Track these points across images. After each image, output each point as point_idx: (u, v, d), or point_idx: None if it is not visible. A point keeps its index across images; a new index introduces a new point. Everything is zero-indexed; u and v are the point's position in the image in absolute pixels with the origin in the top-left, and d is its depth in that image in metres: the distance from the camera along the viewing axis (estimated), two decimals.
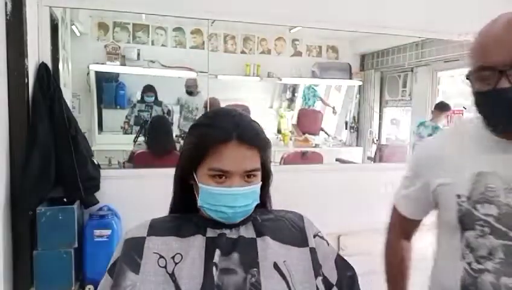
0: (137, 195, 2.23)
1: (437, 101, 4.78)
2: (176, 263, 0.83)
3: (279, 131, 5.58)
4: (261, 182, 0.89)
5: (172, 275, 0.82)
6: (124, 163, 3.65)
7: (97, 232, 2.07)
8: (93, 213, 2.16)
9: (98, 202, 2.19)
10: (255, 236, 0.88)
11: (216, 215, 0.86)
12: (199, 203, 0.87)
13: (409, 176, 1.13)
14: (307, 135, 5.55)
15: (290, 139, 5.38)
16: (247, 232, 0.89)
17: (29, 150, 1.93)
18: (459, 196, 0.92)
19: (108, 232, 2.08)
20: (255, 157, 0.87)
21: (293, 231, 0.92)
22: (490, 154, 0.90)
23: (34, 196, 1.95)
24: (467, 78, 0.91)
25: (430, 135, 4.20)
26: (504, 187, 0.86)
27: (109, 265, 0.90)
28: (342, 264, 0.93)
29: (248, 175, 0.86)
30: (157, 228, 0.90)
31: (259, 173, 0.88)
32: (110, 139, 4.68)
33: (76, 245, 1.98)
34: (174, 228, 0.89)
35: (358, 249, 2.25)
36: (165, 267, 0.83)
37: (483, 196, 0.89)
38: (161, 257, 0.84)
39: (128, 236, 0.90)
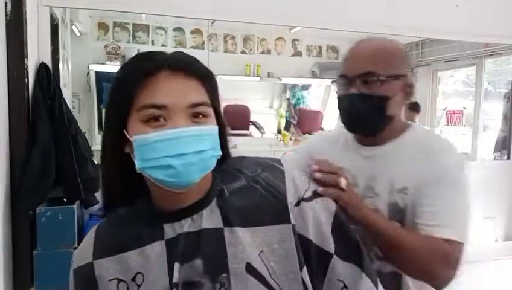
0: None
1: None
2: (139, 285, 0.67)
3: (279, 131, 5.58)
4: (217, 128, 0.67)
5: None
6: None
7: None
8: (93, 213, 2.16)
9: (98, 202, 2.19)
10: (221, 225, 0.67)
11: (163, 175, 0.62)
12: (138, 166, 0.63)
13: (298, 151, 1.25)
14: (307, 135, 5.54)
15: (290, 139, 5.38)
16: (212, 217, 0.68)
17: (29, 150, 1.93)
18: None
19: None
20: (200, 89, 0.65)
21: (270, 200, 0.69)
22: (345, 152, 1.09)
23: (34, 196, 1.95)
24: (333, 83, 1.09)
25: None
26: (351, 182, 0.97)
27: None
28: (340, 232, 0.71)
29: (195, 114, 0.64)
30: (104, 243, 0.72)
31: (211, 113, 0.66)
32: None
33: (76, 245, 1.98)
34: (125, 238, 0.70)
35: None
36: None
37: None
38: (120, 280, 0.68)
39: (74, 265, 0.75)
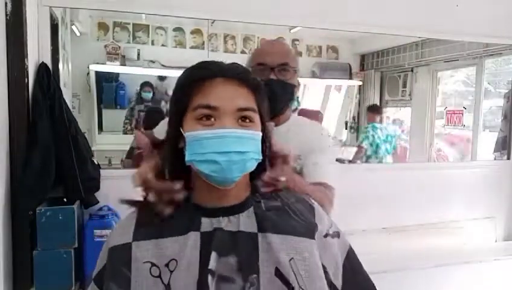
0: (137, 195, 2.23)
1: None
2: (171, 271, 0.71)
3: None
4: (261, 133, 0.74)
5: (168, 287, 0.71)
6: (122, 161, 3.63)
7: (97, 232, 2.07)
8: (93, 213, 2.15)
9: (98, 202, 2.18)
10: (256, 230, 0.73)
11: (208, 169, 0.70)
12: (187, 158, 0.72)
13: None
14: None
15: None
16: (248, 223, 0.74)
17: (29, 150, 1.93)
18: None
19: (108, 232, 2.08)
20: (249, 97, 0.74)
21: (300, 222, 0.77)
22: None
23: (34, 196, 1.95)
24: None
25: (387, 136, 4.81)
26: None
27: (95, 274, 0.81)
28: (351, 266, 0.80)
29: (243, 118, 0.72)
30: (144, 227, 0.77)
31: (257, 118, 0.74)
32: (110, 139, 4.68)
33: (76, 245, 1.98)
34: (164, 225, 0.75)
35: (358, 250, 2.24)
36: (160, 276, 0.71)
37: None
38: (153, 265, 0.72)
39: (111, 244, 0.78)
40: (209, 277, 0.69)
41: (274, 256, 0.71)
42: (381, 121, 5.03)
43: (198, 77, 0.73)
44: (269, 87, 1.15)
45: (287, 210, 0.78)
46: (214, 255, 0.71)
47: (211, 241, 0.72)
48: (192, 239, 0.73)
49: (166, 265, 0.72)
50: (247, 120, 0.72)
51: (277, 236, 0.73)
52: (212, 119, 0.71)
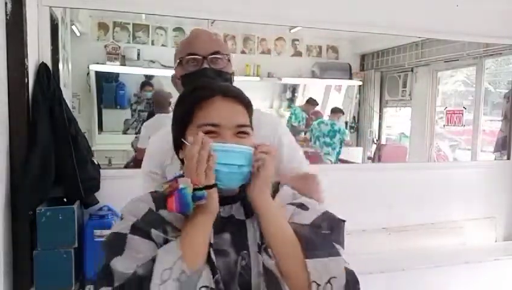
0: (137, 195, 2.23)
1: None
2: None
3: None
4: (253, 148, 0.82)
5: None
6: (127, 165, 3.63)
7: (97, 232, 2.07)
8: (93, 213, 2.15)
9: (98, 202, 2.19)
10: (244, 218, 0.86)
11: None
12: None
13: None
14: (307, 135, 5.55)
15: None
16: (237, 212, 0.86)
17: (29, 150, 1.93)
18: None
19: (108, 232, 2.08)
20: (244, 113, 0.85)
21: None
22: None
23: (34, 196, 1.95)
24: (175, 68, 1.25)
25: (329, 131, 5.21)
26: None
27: (124, 228, 0.81)
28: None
29: (239, 133, 0.83)
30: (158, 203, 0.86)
31: (251, 132, 0.85)
32: (110, 139, 4.68)
33: (76, 245, 1.98)
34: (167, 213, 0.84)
35: (358, 249, 2.25)
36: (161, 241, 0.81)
37: None
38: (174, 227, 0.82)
39: (140, 212, 0.84)
40: (211, 250, 0.79)
41: (258, 234, 0.83)
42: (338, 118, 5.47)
43: (201, 95, 0.83)
44: (204, 77, 1.17)
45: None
46: (212, 231, 0.80)
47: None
48: None
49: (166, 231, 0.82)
50: (244, 134, 0.83)
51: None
52: (214, 134, 0.81)
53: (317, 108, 6.00)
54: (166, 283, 0.72)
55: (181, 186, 0.75)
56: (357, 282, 0.79)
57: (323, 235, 0.84)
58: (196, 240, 0.78)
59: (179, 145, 0.86)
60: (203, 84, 0.88)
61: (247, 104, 0.87)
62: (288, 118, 5.85)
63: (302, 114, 5.84)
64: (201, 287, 0.74)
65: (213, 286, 0.76)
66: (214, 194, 0.78)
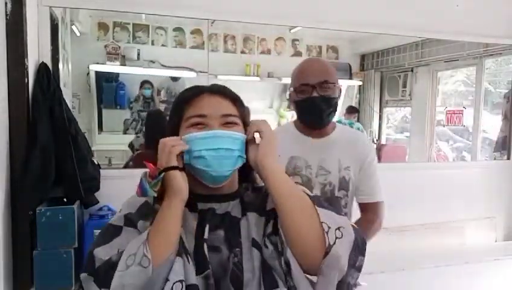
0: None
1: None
2: None
3: None
4: (245, 135, 0.88)
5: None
6: (127, 165, 3.61)
7: (97, 232, 2.06)
8: (93, 213, 2.16)
9: (98, 202, 2.19)
10: (239, 216, 0.88)
11: (202, 165, 0.84)
12: (186, 160, 0.85)
13: None
14: None
15: None
16: (234, 210, 0.89)
17: (29, 150, 1.93)
18: None
19: None
20: (231, 106, 0.90)
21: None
22: (298, 145, 1.50)
23: (34, 196, 1.95)
24: (290, 93, 1.50)
25: None
26: (305, 165, 1.47)
27: (122, 217, 0.85)
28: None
29: (227, 123, 0.87)
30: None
31: (239, 122, 0.89)
32: (110, 139, 4.68)
33: (76, 245, 1.98)
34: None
35: None
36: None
37: (294, 171, 1.47)
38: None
39: (136, 206, 0.89)
40: (205, 245, 0.82)
41: (251, 231, 0.85)
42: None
43: (189, 94, 0.90)
44: (313, 104, 1.41)
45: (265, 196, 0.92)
46: (207, 227, 0.85)
47: (205, 218, 0.86)
48: (189, 215, 0.86)
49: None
50: (231, 124, 0.87)
51: (254, 214, 0.88)
52: (202, 125, 0.86)
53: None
54: (129, 269, 0.74)
55: (142, 173, 0.84)
56: (365, 242, 0.84)
57: (327, 202, 0.86)
58: (162, 225, 0.79)
59: None
60: (191, 88, 0.93)
61: (233, 98, 0.92)
62: None
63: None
64: (175, 282, 0.75)
65: (194, 281, 0.77)
66: (176, 176, 0.81)
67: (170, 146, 0.82)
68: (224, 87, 0.93)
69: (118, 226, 0.84)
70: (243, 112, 0.93)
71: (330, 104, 1.42)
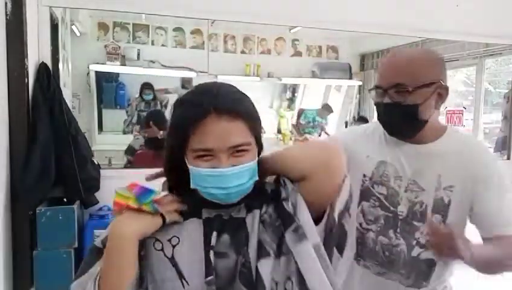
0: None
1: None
2: (173, 246, 0.81)
3: (279, 131, 5.57)
4: (256, 159, 0.83)
5: (172, 259, 0.80)
6: (127, 165, 3.61)
7: (97, 232, 2.07)
8: (93, 213, 2.16)
9: (98, 202, 2.19)
10: (244, 215, 0.85)
11: (209, 197, 0.82)
12: (192, 185, 0.83)
13: None
14: (306, 135, 5.54)
15: (290, 139, 5.38)
16: (239, 212, 0.85)
17: (29, 150, 1.94)
18: (364, 175, 1.23)
19: None
20: (241, 130, 0.80)
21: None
22: (383, 146, 1.22)
23: (34, 196, 1.95)
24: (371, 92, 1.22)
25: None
26: (394, 175, 1.19)
27: (100, 241, 0.82)
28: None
29: (236, 151, 0.79)
30: None
31: (251, 148, 0.82)
32: (110, 139, 4.68)
33: (76, 245, 1.98)
34: None
35: None
36: (162, 250, 0.81)
37: (380, 179, 1.21)
38: (157, 239, 0.82)
39: None
40: (211, 253, 0.80)
41: (258, 230, 0.83)
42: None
43: (193, 118, 0.79)
44: (384, 112, 1.15)
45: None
46: (214, 234, 0.82)
47: (212, 225, 0.83)
48: (194, 223, 0.84)
49: (169, 240, 0.82)
50: (242, 151, 0.80)
51: (257, 211, 0.85)
52: (209, 157, 0.79)
53: (317, 108, 6.00)
54: None
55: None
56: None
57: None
58: (110, 271, 0.78)
59: (175, 166, 0.86)
60: (195, 100, 0.81)
61: (246, 117, 0.81)
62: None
63: (315, 117, 5.70)
64: None
65: None
66: (120, 221, 0.80)
67: (166, 204, 0.82)
68: (233, 101, 0.81)
69: (98, 248, 0.82)
70: (255, 124, 0.84)
71: (405, 112, 1.10)
